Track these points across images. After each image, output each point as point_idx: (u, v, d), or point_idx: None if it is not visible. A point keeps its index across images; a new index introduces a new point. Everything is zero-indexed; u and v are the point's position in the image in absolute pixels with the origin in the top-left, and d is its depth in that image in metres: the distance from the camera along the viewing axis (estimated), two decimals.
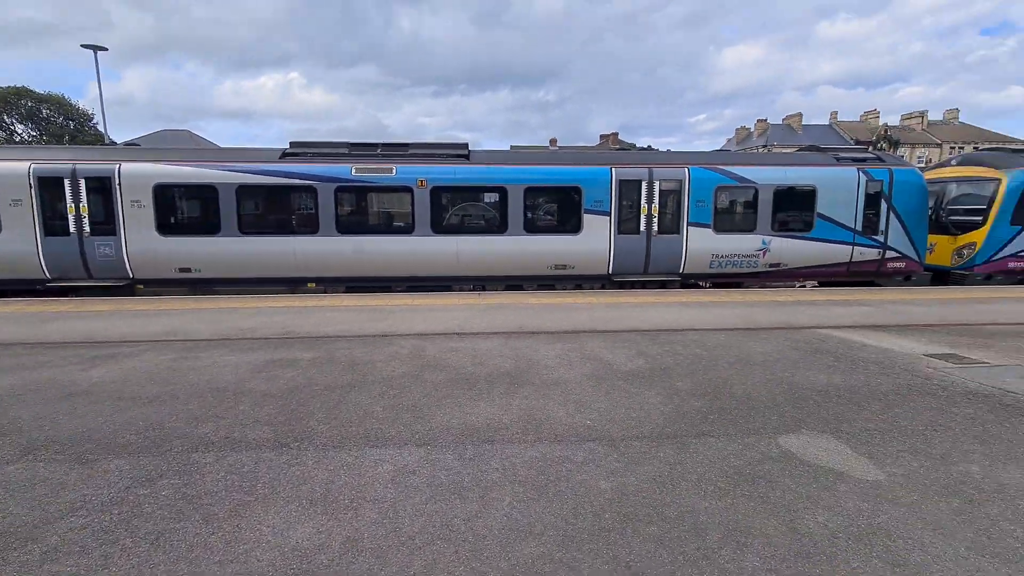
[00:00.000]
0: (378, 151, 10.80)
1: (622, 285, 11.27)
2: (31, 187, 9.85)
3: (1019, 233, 11.85)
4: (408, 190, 10.41)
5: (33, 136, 38.57)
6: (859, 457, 3.48)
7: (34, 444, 3.66)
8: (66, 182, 9.93)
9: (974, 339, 6.65)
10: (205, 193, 10.16)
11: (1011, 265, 12.03)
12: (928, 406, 4.38)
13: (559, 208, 11.25)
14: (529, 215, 10.87)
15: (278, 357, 5.84)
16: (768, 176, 11.13)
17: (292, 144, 10.81)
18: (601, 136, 60.42)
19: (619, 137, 59.41)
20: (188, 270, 10.27)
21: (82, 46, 23.30)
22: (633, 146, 23.63)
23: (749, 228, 11.14)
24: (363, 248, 10.44)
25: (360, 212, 10.79)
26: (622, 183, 10.81)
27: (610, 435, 3.80)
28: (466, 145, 11.28)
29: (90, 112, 41.69)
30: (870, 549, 2.55)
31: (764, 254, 11.19)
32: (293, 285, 10.72)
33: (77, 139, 36.56)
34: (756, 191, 11.07)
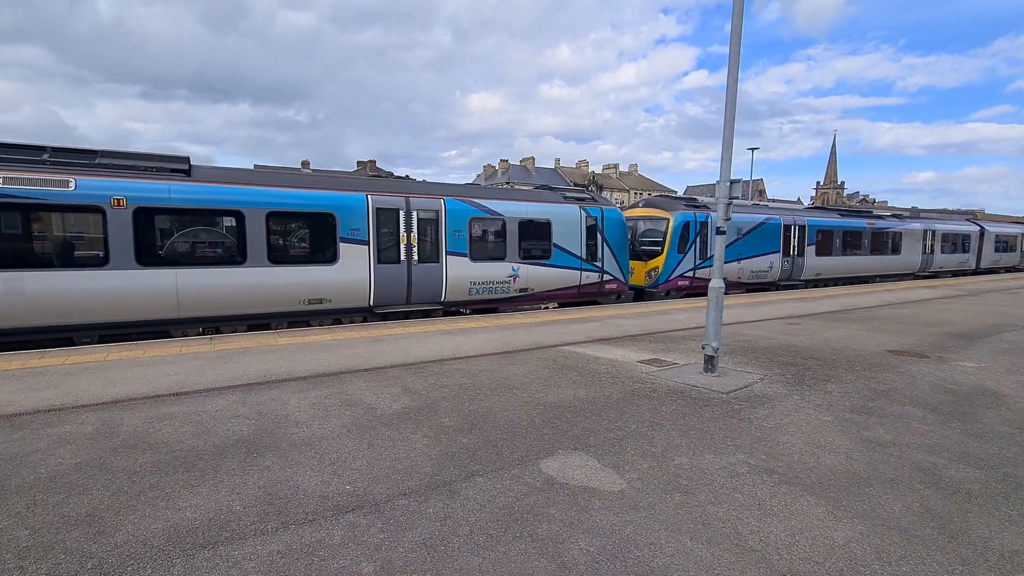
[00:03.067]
0: (46, 156, 8.00)
1: (385, 317, 10.82)
2: None
3: (682, 259, 15.84)
4: (98, 210, 7.95)
5: None
6: (605, 469, 3.81)
7: None
8: None
9: (666, 344, 8.38)
10: None
11: (680, 283, 15.97)
12: (647, 408, 5.18)
13: (312, 236, 10.20)
14: (275, 243, 9.55)
15: None
16: (514, 209, 12.29)
17: None
18: (359, 162, 59.14)
19: (377, 164, 59.12)
20: None
21: None
22: (391, 174, 23.62)
23: (501, 256, 12.06)
24: (24, 288, 7.51)
25: (12, 238, 7.74)
26: (379, 211, 10.46)
27: (373, 498, 3.32)
28: (187, 159, 9.30)
29: None
30: (625, 565, 2.69)
31: (515, 280, 12.24)
32: None
33: None
34: (504, 223, 12.08)
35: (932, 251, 25.63)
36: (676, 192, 76.83)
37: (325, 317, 10.26)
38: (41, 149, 8.14)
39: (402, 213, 10.72)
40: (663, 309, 12.70)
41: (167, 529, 2.94)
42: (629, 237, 15.15)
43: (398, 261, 10.70)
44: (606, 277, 13.92)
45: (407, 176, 18.25)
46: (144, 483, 3.48)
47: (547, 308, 13.50)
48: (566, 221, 13.08)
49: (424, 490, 3.44)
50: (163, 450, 4.02)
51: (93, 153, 8.47)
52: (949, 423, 4.92)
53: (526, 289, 12.51)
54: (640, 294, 16.00)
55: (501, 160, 78.47)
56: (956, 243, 27.35)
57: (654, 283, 15.64)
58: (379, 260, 10.46)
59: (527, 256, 12.46)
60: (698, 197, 19.40)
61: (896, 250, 23.34)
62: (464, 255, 11.47)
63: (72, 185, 7.77)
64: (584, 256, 13.39)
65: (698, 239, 16.09)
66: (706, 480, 3.66)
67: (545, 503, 3.30)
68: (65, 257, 8.09)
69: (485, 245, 12.03)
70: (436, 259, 11.16)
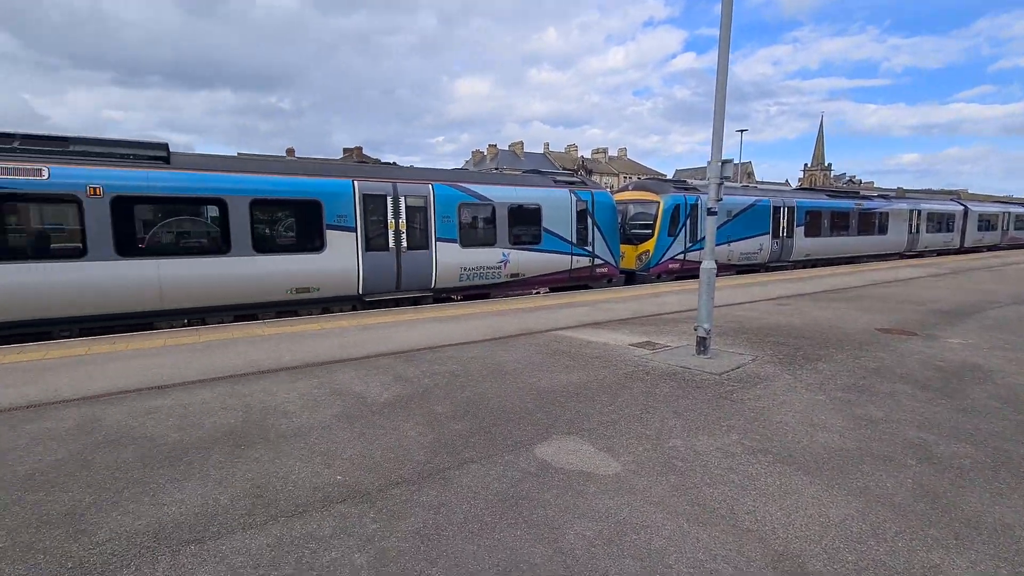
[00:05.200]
0: (15, 144, 7.70)
1: (374, 305, 10.69)
2: None
3: (672, 242, 15.82)
4: (73, 200, 7.70)
5: None
6: (600, 453, 3.78)
7: None
8: None
9: (658, 327, 8.36)
10: None
11: (671, 266, 15.97)
12: (641, 391, 5.16)
13: (297, 224, 10.00)
14: (260, 232, 9.34)
15: None
16: (503, 194, 12.14)
17: None
18: (345, 150, 58.25)
19: (363, 151, 58.25)
20: None
21: None
22: (378, 161, 23.25)
23: (491, 242, 11.94)
24: None
25: None
26: (367, 197, 10.26)
27: (365, 488, 3.26)
28: (165, 145, 9.01)
29: None
30: (621, 549, 2.66)
31: (505, 266, 12.14)
32: None
33: None
34: (494, 208, 11.94)
35: (918, 231, 25.90)
36: (665, 176, 76.75)
37: (313, 307, 10.12)
38: (10, 136, 7.84)
39: (390, 199, 10.54)
40: (654, 292, 12.70)
41: (151, 525, 2.85)
42: (619, 221, 15.08)
43: (387, 248, 10.54)
44: (597, 261, 13.87)
45: (394, 163, 17.97)
46: (127, 479, 3.39)
47: (538, 293, 13.45)
48: (556, 205, 12.97)
49: (417, 479, 3.38)
50: (147, 444, 3.92)
51: (66, 140, 8.17)
52: (938, 399, 4.95)
53: (517, 274, 12.42)
54: (631, 278, 15.99)
55: (489, 145, 77.76)
56: (941, 223, 27.66)
57: (645, 266, 15.62)
58: (367, 247, 10.30)
59: (517, 241, 12.35)
60: (688, 180, 19.34)
61: (883, 230, 23.54)
62: (454, 241, 11.33)
63: (45, 174, 7.50)
64: (575, 241, 13.31)
65: (688, 221, 16.07)
66: (701, 462, 3.64)
67: (540, 488, 3.26)
68: (40, 249, 7.84)
69: (475, 231, 11.90)
70: (426, 246, 11.01)
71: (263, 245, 9.32)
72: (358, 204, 10.14)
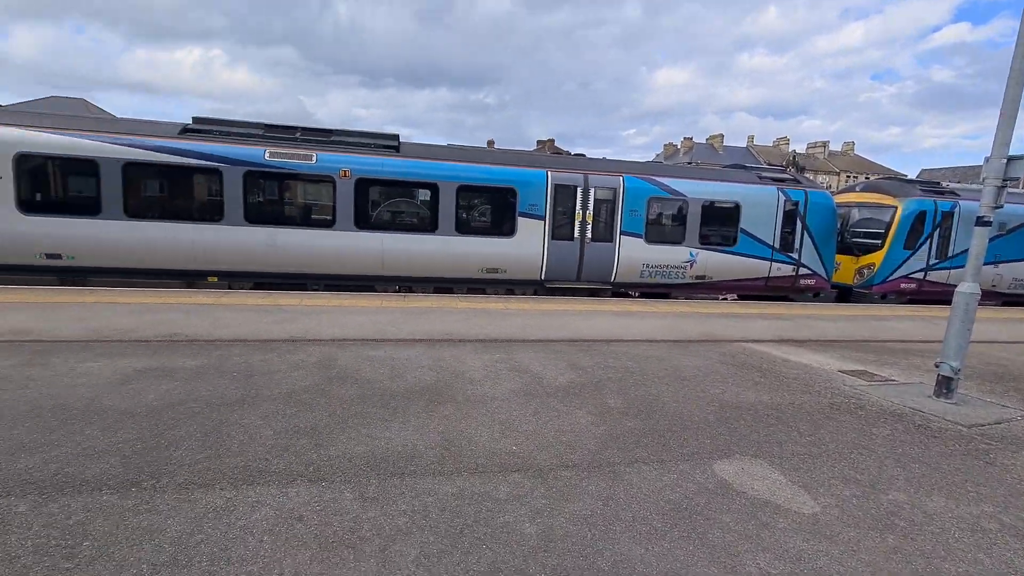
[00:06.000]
0: (297, 135, 9.83)
1: (553, 292, 11.05)
2: None
3: (910, 256, 12.97)
4: (330, 180, 9.55)
5: None
6: (793, 486, 3.32)
7: None
8: None
9: (879, 356, 6.98)
10: (83, 168, 8.73)
11: (903, 286, 13.15)
12: (851, 426, 4.38)
13: (493, 209, 10.84)
14: (462, 215, 10.37)
15: (154, 365, 4.93)
16: (698, 189, 11.37)
17: (195, 120, 9.59)
18: (538, 142, 61.08)
19: (556, 144, 60.26)
20: (58, 256, 8.78)
21: None
22: (569, 153, 23.80)
23: (678, 240, 11.32)
24: (276, 241, 9.45)
25: (273, 201, 9.78)
26: (558, 187, 10.60)
27: (537, 464, 3.40)
28: (396, 136, 10.58)
29: None
30: None
31: (691, 266, 11.41)
32: (190, 279, 9.49)
33: None
34: (686, 204, 11.27)
35: None
36: (906, 176, 63.10)
37: (499, 286, 10.89)
38: (293, 129, 10.02)
39: (579, 190, 10.70)
40: (876, 314, 10.63)
41: (367, 453, 3.41)
42: (838, 226, 12.93)
43: (571, 238, 10.76)
44: (803, 271, 12.14)
45: (582, 154, 18.18)
46: (350, 411, 4.10)
47: (725, 299, 12.34)
48: (759, 204, 11.66)
49: (587, 466, 3.41)
50: (365, 385, 4.68)
51: (329, 132, 10.14)
52: None
53: (703, 276, 11.58)
54: (845, 294, 13.64)
55: (684, 138, 73.51)
56: None
57: (866, 282, 13.15)
58: (553, 236, 10.65)
59: (708, 241, 11.47)
60: (942, 182, 15.59)
61: None
62: (639, 236, 11.04)
63: (314, 159, 9.42)
64: (777, 245, 11.83)
65: (936, 232, 13.00)
66: (934, 528, 2.94)
67: (718, 508, 3.00)
68: (304, 218, 9.92)
69: (662, 227, 11.41)
70: (610, 238, 10.95)
71: (464, 227, 10.32)
72: (549, 194, 10.52)
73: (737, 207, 11.56)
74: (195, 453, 3.26)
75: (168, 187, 9.37)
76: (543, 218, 10.55)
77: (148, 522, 2.55)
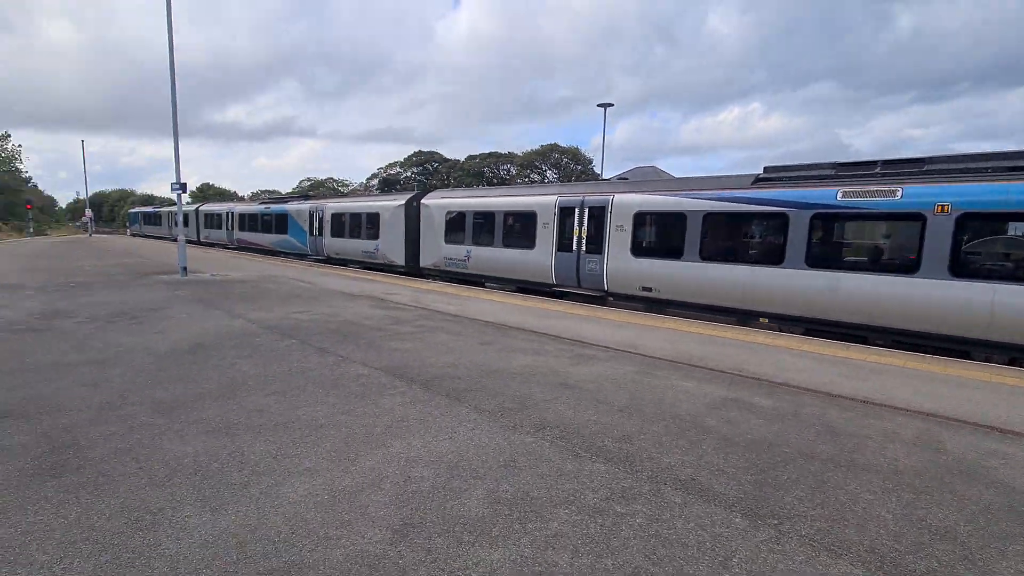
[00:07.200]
0: (876, 169, 8.75)
1: None
2: (554, 214, 13.07)
3: None
4: (918, 217, 7.94)
5: (556, 177, 53.01)
6: None
7: (545, 423, 4.43)
8: (575, 210, 12.66)
9: None
10: (674, 220, 10.85)
11: None
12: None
13: None
14: None
15: (732, 396, 5.33)
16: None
17: (766, 169, 10.16)
18: None
19: None
20: (649, 289, 11.26)
21: (598, 105, 30.36)
22: None
23: None
24: (838, 286, 8.69)
25: (841, 244, 9.07)
26: None
27: None
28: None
29: (590, 157, 53.88)
30: None
31: None
32: (743, 317, 10.09)
33: (581, 178, 47.90)
34: None
35: None
36: None
37: None
38: (872, 164, 8.97)
39: None
40: None
41: None
42: None
43: None
44: None
45: None
46: (997, 531, 2.99)
47: None
48: None
49: None
50: (997, 491, 3.37)
51: (919, 161, 8.50)
52: None
53: None
54: None
55: None
56: None
57: None
58: None
59: None
60: None
61: None
62: None
63: (899, 194, 8.09)
64: None
65: None
66: None
67: None
68: (874, 262, 8.68)
69: None
70: None
71: None
72: None
73: None
74: (806, 504, 3.15)
75: (736, 233, 10.36)
76: None
77: (784, 566, 2.56)
